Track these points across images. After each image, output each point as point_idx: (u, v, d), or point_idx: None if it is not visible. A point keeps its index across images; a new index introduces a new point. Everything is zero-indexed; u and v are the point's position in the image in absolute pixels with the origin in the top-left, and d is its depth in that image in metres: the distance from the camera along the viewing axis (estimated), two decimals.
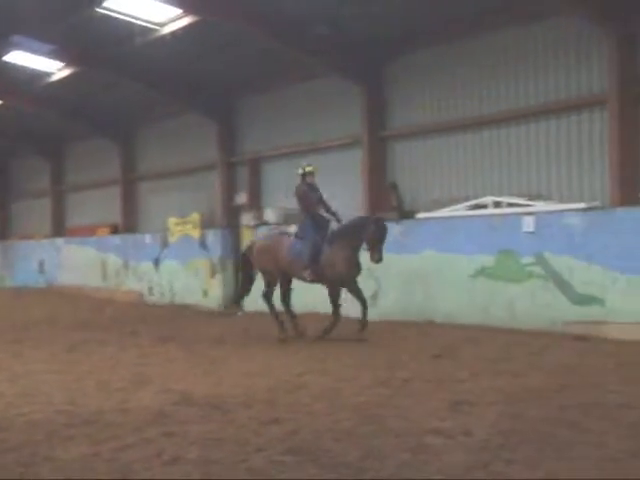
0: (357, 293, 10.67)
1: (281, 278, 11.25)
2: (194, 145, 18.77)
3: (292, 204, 15.29)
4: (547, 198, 11.32)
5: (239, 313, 15.93)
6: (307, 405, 6.42)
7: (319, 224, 10.79)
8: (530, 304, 10.91)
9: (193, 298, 17.70)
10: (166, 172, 19.91)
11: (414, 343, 10.17)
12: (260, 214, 16.18)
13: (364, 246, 10.40)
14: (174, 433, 5.42)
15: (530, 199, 11.41)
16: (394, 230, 11.75)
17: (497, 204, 11.73)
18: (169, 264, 18.77)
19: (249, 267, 11.76)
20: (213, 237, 17.36)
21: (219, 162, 17.75)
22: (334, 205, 13.93)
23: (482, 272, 11.50)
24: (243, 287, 12.05)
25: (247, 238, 16.28)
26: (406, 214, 13.08)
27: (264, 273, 11.48)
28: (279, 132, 16.21)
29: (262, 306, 15.18)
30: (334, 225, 10.79)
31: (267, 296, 11.46)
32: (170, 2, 13.02)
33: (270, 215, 15.86)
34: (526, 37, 11.81)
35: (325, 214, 10.95)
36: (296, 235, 11.04)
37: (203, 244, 17.59)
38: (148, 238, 19.83)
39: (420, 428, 5.37)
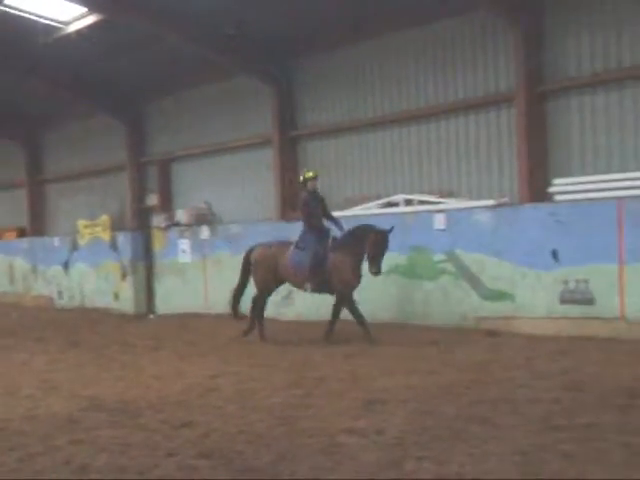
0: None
1: (274, 286, 10.82)
2: (103, 146, 17.80)
3: (203, 205, 15.14)
4: (458, 195, 11.02)
5: (151, 316, 15.20)
6: (219, 408, 6.28)
7: (320, 234, 10.18)
8: (443, 300, 10.69)
9: (104, 301, 16.85)
10: (75, 174, 18.87)
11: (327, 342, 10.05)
12: (171, 215, 15.42)
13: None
14: (83, 440, 5.26)
15: (441, 196, 11.12)
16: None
17: (408, 202, 11.46)
18: (79, 267, 17.83)
19: (246, 271, 11.04)
20: (123, 239, 16.46)
21: (129, 164, 16.84)
22: (246, 202, 13.26)
23: (395, 270, 11.19)
24: (238, 289, 11.13)
25: (158, 240, 15.56)
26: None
27: (261, 281, 10.75)
28: (190, 133, 15.50)
29: (173, 309, 14.77)
30: (336, 233, 10.16)
31: (257, 302, 10.75)
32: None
33: (181, 216, 15.08)
34: (433, 36, 11.51)
35: (326, 223, 10.37)
36: (296, 245, 10.34)
37: (113, 246, 16.66)
38: (57, 241, 18.76)
39: (333, 428, 5.29)
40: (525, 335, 9.57)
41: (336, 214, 12.42)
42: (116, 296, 16.46)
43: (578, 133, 10.24)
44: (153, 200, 15.90)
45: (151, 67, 14.87)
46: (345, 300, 10.04)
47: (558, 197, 10.27)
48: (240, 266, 11.07)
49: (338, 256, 9.89)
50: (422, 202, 11.39)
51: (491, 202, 10.51)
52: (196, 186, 15.42)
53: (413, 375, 7.30)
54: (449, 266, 10.65)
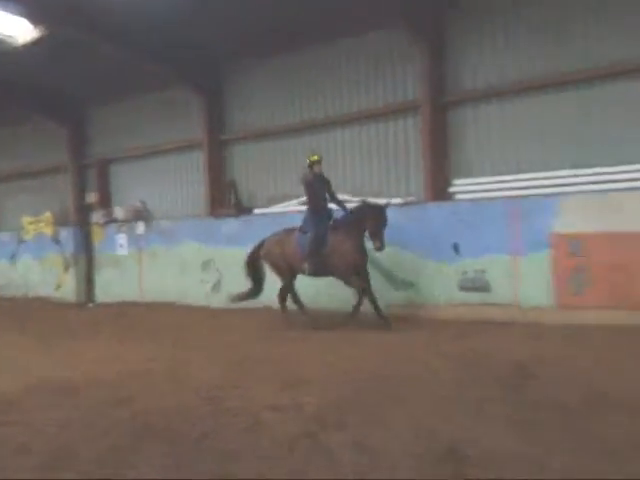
0: (366, 280, 9.07)
1: (292, 273, 9.56)
2: (47, 149, 16.38)
3: (138, 203, 14.17)
4: (373, 195, 10.32)
5: (90, 305, 13.99)
6: (152, 388, 5.89)
7: (321, 216, 9.09)
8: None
9: (46, 291, 15.67)
10: (20, 174, 17.35)
11: (252, 327, 9.58)
12: (109, 212, 14.36)
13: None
14: (21, 421, 4.91)
15: (354, 195, 10.42)
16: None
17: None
18: (24, 260, 16.52)
19: (256, 269, 9.94)
20: (66, 234, 15.33)
21: (70, 165, 15.63)
22: (178, 200, 12.31)
23: None
24: (254, 289, 9.97)
25: (97, 234, 14.43)
26: (244, 210, 11.72)
27: (275, 269, 9.69)
28: (127, 137, 14.42)
29: (111, 298, 13.73)
30: (338, 214, 9.21)
31: (283, 292, 9.71)
32: (15, 13, 10.82)
33: (119, 213, 14.13)
34: (347, 50, 10.99)
35: (330, 204, 9.25)
36: (300, 229, 9.31)
37: (56, 241, 15.52)
38: (5, 236, 17.30)
39: (257, 406, 5.10)
40: (429, 320, 9.20)
41: (259, 211, 11.68)
42: (58, 286, 15.35)
43: (474, 140, 9.89)
44: (92, 198, 14.70)
45: (93, 76, 13.70)
46: (348, 279, 9.04)
47: (458, 196, 9.93)
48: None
49: (338, 236, 8.91)
50: None
51: (399, 200, 9.96)
52: (132, 186, 14.43)
53: (331, 355, 7.07)
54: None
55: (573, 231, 8.45)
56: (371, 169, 10.84)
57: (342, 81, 11.03)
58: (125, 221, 13.73)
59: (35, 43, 11.75)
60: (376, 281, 9.53)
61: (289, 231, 9.60)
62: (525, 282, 8.81)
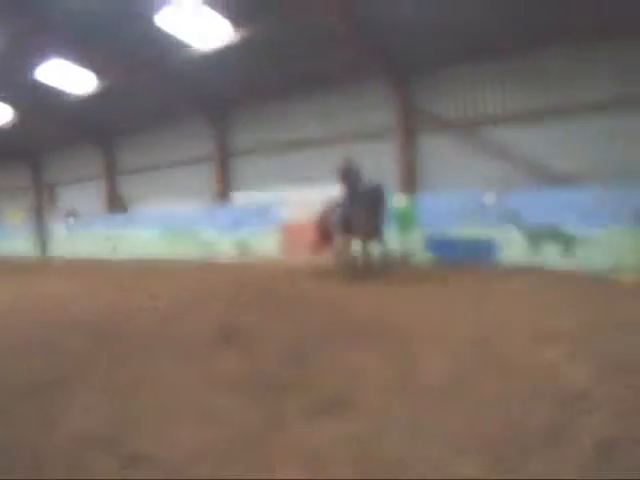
0: (381, 242, 10.54)
1: (345, 239, 10.82)
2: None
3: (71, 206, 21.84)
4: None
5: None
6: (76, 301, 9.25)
7: (351, 195, 10.46)
8: (185, 251, 17.46)
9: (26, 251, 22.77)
10: None
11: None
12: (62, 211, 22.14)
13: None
14: None
15: (183, 201, 18.62)
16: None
17: (168, 204, 18.51)
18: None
19: (326, 231, 11.28)
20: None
21: (33, 186, 23.33)
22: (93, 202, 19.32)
23: (164, 235, 17.84)
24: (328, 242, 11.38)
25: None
26: (128, 209, 19.70)
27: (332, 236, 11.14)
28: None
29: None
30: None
31: (339, 256, 11.10)
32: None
33: (64, 211, 22.00)
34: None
35: (359, 187, 10.49)
36: (338, 205, 10.82)
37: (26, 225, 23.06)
38: None
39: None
40: (223, 265, 14.58)
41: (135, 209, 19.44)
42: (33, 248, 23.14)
43: (247, 172, 16.96)
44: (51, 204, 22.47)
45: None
46: (365, 241, 10.33)
47: (236, 202, 17.10)
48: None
49: (355, 209, 10.27)
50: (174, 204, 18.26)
51: (204, 204, 17.72)
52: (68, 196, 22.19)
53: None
54: (189, 233, 17.09)
55: (290, 219, 15.60)
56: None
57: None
58: (67, 216, 21.83)
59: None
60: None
61: (333, 205, 11.03)
62: (268, 244, 15.30)
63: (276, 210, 15.05)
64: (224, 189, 17.68)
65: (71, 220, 21.40)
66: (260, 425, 3.96)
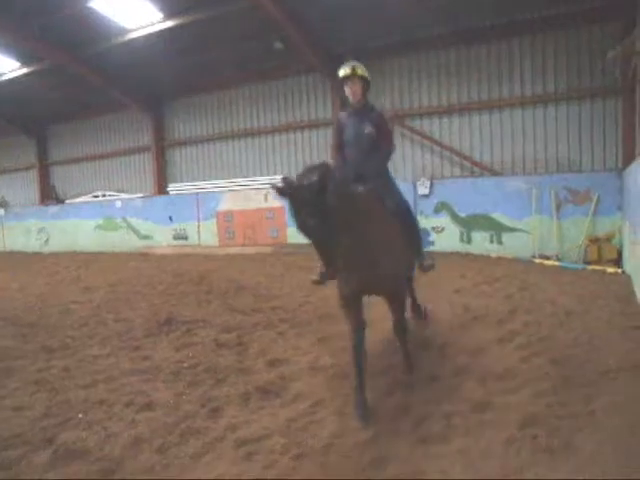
0: None
1: None
2: None
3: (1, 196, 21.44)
4: (128, 191, 18.15)
5: None
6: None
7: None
8: (128, 240, 17.28)
9: None
10: None
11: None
12: None
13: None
14: None
15: (117, 191, 18.19)
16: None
17: (103, 195, 18.14)
18: None
19: None
20: None
21: None
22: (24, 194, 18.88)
23: (98, 227, 17.73)
24: None
25: None
26: (61, 200, 19.15)
27: None
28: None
29: None
30: None
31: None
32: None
33: None
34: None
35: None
36: None
37: None
38: None
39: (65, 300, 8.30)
40: (160, 255, 15.54)
41: (69, 201, 18.95)
42: None
43: (183, 163, 17.06)
44: None
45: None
46: None
47: (172, 192, 17.25)
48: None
49: None
50: (109, 195, 17.97)
51: (140, 195, 17.80)
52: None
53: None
54: (125, 224, 17.13)
55: (226, 209, 16.88)
56: (128, 175, 18.67)
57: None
58: None
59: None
60: (131, 236, 17.66)
61: None
62: (204, 233, 16.02)
63: (212, 200, 15.31)
64: (161, 180, 17.43)
65: (1, 211, 20.50)
66: (196, 413, 3.94)
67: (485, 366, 4.46)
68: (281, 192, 3.31)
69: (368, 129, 4.50)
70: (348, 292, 3.98)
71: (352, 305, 4.01)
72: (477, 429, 3.47)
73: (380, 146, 4.54)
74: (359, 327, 3.97)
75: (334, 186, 3.29)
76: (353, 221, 3.60)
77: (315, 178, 3.23)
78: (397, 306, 4.26)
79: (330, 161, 4.02)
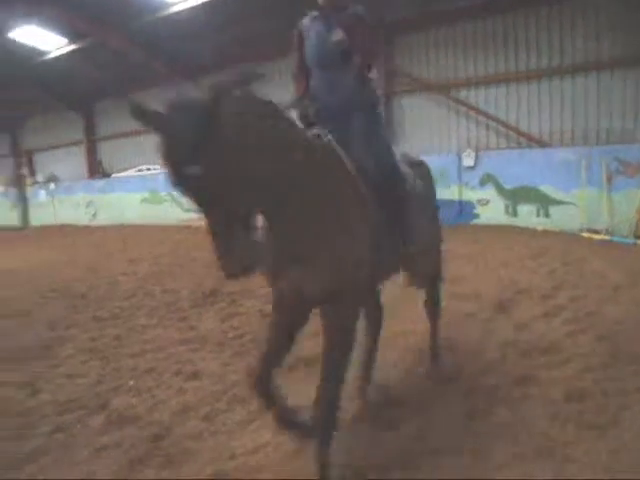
0: None
1: None
2: None
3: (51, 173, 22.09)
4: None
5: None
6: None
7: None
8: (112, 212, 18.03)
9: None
10: None
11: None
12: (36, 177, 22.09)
13: None
14: None
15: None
16: None
17: (148, 169, 18.16)
18: None
19: None
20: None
21: None
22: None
23: (144, 200, 17.89)
24: None
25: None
26: (107, 175, 19.60)
27: None
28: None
29: (42, 223, 21.90)
30: None
31: None
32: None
33: (40, 177, 21.86)
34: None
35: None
36: None
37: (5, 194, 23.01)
38: None
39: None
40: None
41: (115, 175, 19.53)
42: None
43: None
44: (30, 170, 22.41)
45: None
46: None
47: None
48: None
49: None
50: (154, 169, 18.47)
51: None
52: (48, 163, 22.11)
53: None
54: (169, 197, 16.95)
55: None
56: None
57: None
58: (44, 182, 21.66)
59: None
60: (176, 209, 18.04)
61: None
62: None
63: None
64: None
65: (51, 186, 21.08)
66: (242, 382, 4.03)
67: (529, 341, 4.39)
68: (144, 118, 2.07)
69: (336, 36, 2.92)
70: (276, 298, 2.82)
71: (279, 320, 2.88)
72: (521, 403, 3.43)
73: (353, 60, 2.95)
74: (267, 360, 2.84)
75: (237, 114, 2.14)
76: (277, 182, 2.35)
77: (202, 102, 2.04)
78: (335, 332, 2.77)
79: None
